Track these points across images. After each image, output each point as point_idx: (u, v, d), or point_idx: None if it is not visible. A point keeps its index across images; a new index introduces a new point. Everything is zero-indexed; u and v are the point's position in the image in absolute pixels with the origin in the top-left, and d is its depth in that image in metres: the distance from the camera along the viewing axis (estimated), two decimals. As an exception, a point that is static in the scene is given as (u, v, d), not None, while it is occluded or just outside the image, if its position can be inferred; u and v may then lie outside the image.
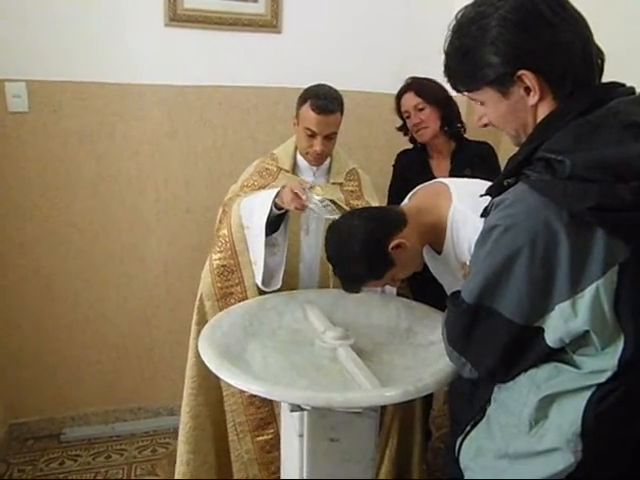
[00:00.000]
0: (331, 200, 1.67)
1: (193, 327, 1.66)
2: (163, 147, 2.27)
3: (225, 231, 1.64)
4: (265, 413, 1.63)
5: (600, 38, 0.91)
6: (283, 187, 1.54)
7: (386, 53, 2.44)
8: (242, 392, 1.59)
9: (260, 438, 1.65)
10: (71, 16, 2.06)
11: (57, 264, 2.25)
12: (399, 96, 2.00)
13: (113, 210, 2.27)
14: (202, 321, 1.60)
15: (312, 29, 2.34)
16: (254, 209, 1.58)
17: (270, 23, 2.27)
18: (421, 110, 1.94)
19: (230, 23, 2.22)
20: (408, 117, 1.99)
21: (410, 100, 1.96)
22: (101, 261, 2.30)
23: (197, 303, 1.66)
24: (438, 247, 1.36)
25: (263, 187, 1.69)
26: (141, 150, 2.25)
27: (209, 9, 2.18)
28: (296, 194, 1.46)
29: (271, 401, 1.58)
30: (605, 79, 0.92)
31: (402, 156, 2.12)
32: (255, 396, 1.56)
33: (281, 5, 2.26)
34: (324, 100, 1.59)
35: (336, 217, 1.45)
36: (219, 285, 1.63)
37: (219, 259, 1.63)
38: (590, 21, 0.89)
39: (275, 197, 1.54)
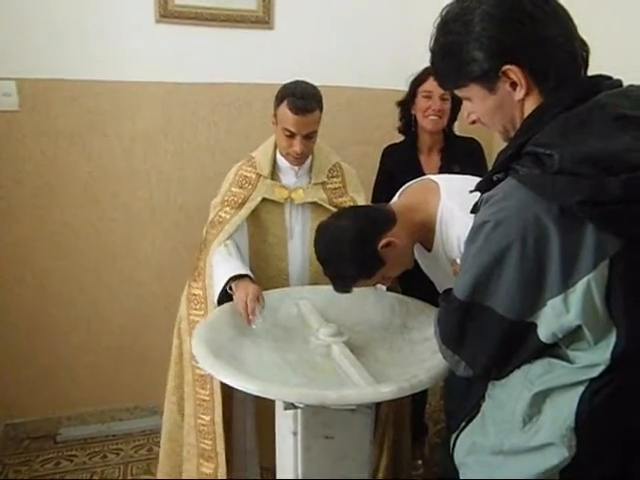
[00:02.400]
0: (312, 202, 1.69)
1: (173, 350, 1.75)
2: (156, 145, 2.26)
3: (202, 263, 1.67)
4: (208, 446, 1.61)
5: (585, 31, 0.91)
6: (238, 286, 1.50)
7: (380, 48, 2.43)
8: (196, 418, 1.63)
9: (203, 469, 1.64)
10: (61, 13, 2.05)
11: (51, 263, 2.24)
12: (427, 75, 1.89)
13: (106, 209, 2.26)
14: (179, 345, 1.72)
15: (304, 25, 2.33)
16: (214, 281, 1.60)
17: (262, 19, 2.26)
18: (445, 100, 1.90)
19: (222, 19, 2.21)
20: (428, 97, 1.91)
21: None
22: (95, 260, 2.29)
23: (177, 326, 1.72)
24: (428, 244, 1.36)
25: (243, 203, 1.67)
26: (133, 148, 2.24)
27: (200, 5, 2.17)
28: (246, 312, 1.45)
29: (215, 435, 1.60)
30: (592, 72, 0.91)
31: (389, 151, 2.07)
32: (205, 426, 1.61)
33: (273, 1, 2.25)
34: (301, 99, 1.54)
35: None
36: (190, 312, 1.67)
37: (194, 287, 1.68)
38: (576, 15, 0.89)
39: (229, 284, 1.52)
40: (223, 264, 1.59)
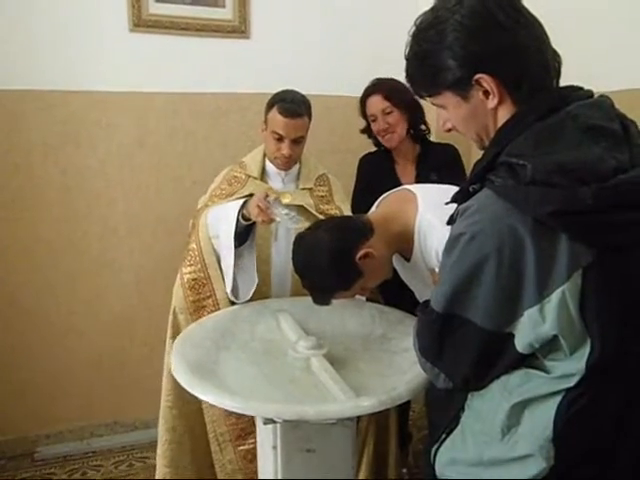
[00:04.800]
0: (299, 205, 1.68)
1: (168, 341, 1.65)
2: (132, 156, 2.24)
3: (194, 245, 1.64)
4: (245, 423, 1.60)
5: (558, 42, 0.91)
6: (249, 198, 1.53)
7: (356, 56, 2.44)
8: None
9: (242, 448, 1.62)
10: (31, 22, 2.02)
11: (25, 278, 2.20)
12: (365, 98, 1.93)
13: (81, 221, 2.23)
14: (176, 335, 1.59)
15: (281, 34, 2.33)
16: (222, 219, 1.58)
17: (238, 29, 2.26)
18: (389, 114, 1.89)
19: (197, 29, 2.20)
20: (374, 120, 1.93)
21: (377, 103, 1.90)
22: (71, 274, 2.25)
23: (171, 317, 1.66)
24: (407, 254, 1.36)
25: (231, 195, 1.69)
26: (109, 160, 2.21)
27: (175, 14, 2.16)
28: (261, 208, 1.45)
29: None
30: (563, 83, 0.92)
31: (366, 160, 2.07)
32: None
33: (249, 10, 2.26)
34: (291, 104, 1.60)
35: (303, 225, 1.44)
36: (191, 299, 1.62)
37: (190, 272, 1.63)
38: (548, 26, 0.89)
39: (242, 208, 1.53)
40: (221, 209, 1.61)
